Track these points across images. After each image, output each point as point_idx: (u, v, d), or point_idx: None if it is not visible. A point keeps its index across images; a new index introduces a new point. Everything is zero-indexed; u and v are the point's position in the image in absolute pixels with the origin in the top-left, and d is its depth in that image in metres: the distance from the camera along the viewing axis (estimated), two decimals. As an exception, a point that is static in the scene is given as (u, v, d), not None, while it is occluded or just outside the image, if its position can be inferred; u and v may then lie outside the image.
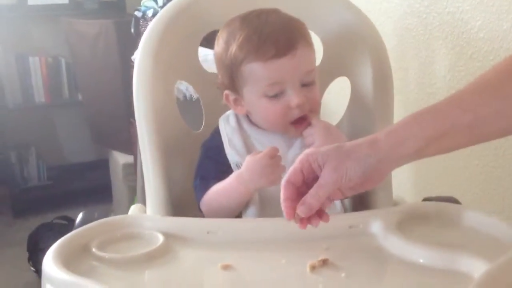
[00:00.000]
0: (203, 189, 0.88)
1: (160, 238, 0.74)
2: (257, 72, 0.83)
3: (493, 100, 0.63)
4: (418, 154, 0.66)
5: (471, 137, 0.65)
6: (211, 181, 0.87)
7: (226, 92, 0.90)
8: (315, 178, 0.67)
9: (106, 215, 0.87)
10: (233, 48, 0.84)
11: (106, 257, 0.71)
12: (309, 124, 0.87)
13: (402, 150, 0.65)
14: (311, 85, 0.86)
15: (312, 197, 0.66)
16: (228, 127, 0.90)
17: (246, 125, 0.91)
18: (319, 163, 0.66)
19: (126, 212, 2.54)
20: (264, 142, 0.89)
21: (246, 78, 0.85)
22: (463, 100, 0.64)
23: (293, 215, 0.66)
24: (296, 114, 0.85)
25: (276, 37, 0.82)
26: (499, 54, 1.05)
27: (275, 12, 0.87)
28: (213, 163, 0.89)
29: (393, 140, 0.65)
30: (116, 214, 2.72)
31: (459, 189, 1.20)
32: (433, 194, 1.27)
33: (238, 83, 0.87)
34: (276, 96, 0.84)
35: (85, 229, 0.75)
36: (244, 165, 0.84)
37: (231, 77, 0.87)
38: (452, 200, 0.91)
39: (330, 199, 0.69)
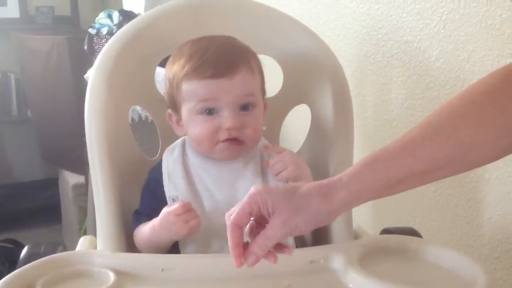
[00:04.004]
0: (134, 223, 0.87)
1: (111, 277, 0.70)
2: (192, 89, 0.83)
3: (446, 147, 0.62)
4: (371, 200, 0.66)
5: (424, 181, 0.65)
6: (142, 217, 0.86)
7: (169, 111, 0.89)
8: (264, 218, 0.65)
9: (54, 249, 0.82)
10: (176, 66, 0.84)
11: (52, 298, 0.66)
12: (241, 148, 0.84)
13: (355, 203, 0.65)
14: (250, 109, 0.84)
15: (259, 248, 0.64)
16: (170, 159, 0.88)
17: (191, 154, 0.88)
18: (268, 209, 0.64)
19: (76, 234, 2.45)
20: (211, 171, 0.86)
21: (184, 96, 0.84)
22: (416, 148, 0.63)
23: (241, 263, 0.65)
24: (224, 135, 0.83)
25: (217, 58, 0.82)
26: (456, 84, 1.06)
27: (228, 38, 0.87)
28: (149, 198, 0.87)
29: (346, 194, 0.64)
30: (66, 236, 2.63)
31: (416, 217, 1.20)
32: (391, 221, 1.28)
33: (178, 102, 0.86)
34: (210, 115, 0.83)
35: (29, 267, 0.70)
36: (159, 215, 0.82)
37: (172, 95, 0.86)
38: (412, 232, 0.90)
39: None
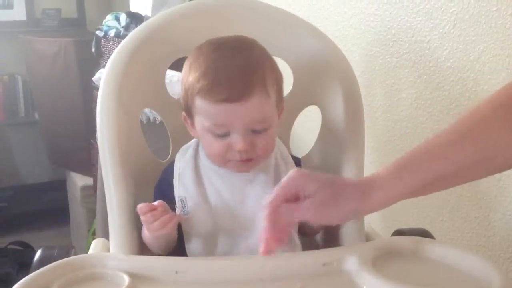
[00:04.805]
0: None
1: (126, 279, 0.70)
2: (206, 110, 0.82)
3: (474, 150, 0.64)
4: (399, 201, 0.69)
5: (452, 184, 0.69)
6: None
7: (184, 114, 0.89)
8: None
9: (67, 252, 0.83)
10: (192, 76, 0.82)
11: (67, 302, 0.66)
12: (253, 163, 0.84)
13: (387, 206, 0.69)
14: (263, 132, 0.83)
15: (286, 210, 0.68)
16: (182, 161, 0.88)
17: (203, 156, 0.88)
18: (305, 193, 0.67)
19: (84, 235, 2.44)
20: (222, 174, 0.86)
21: (197, 110, 0.83)
22: (446, 151, 0.66)
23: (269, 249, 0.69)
24: (237, 156, 0.82)
25: (232, 81, 0.79)
26: (466, 83, 1.06)
27: (249, 49, 0.84)
28: (160, 197, 0.86)
29: (381, 199, 0.67)
30: (74, 237, 2.62)
31: (427, 217, 1.20)
32: (401, 221, 1.28)
33: (192, 111, 0.85)
34: (221, 135, 0.82)
35: (45, 270, 0.70)
36: None
37: (187, 103, 0.86)
38: (424, 232, 0.90)
39: None
